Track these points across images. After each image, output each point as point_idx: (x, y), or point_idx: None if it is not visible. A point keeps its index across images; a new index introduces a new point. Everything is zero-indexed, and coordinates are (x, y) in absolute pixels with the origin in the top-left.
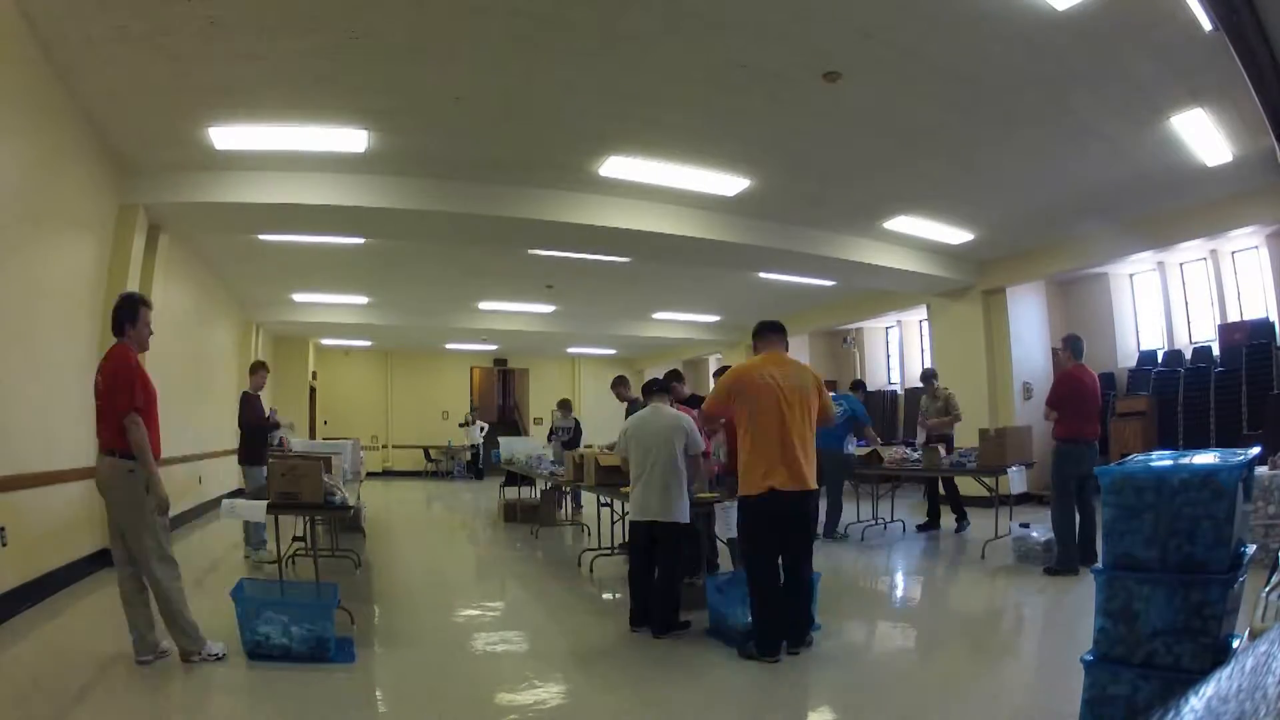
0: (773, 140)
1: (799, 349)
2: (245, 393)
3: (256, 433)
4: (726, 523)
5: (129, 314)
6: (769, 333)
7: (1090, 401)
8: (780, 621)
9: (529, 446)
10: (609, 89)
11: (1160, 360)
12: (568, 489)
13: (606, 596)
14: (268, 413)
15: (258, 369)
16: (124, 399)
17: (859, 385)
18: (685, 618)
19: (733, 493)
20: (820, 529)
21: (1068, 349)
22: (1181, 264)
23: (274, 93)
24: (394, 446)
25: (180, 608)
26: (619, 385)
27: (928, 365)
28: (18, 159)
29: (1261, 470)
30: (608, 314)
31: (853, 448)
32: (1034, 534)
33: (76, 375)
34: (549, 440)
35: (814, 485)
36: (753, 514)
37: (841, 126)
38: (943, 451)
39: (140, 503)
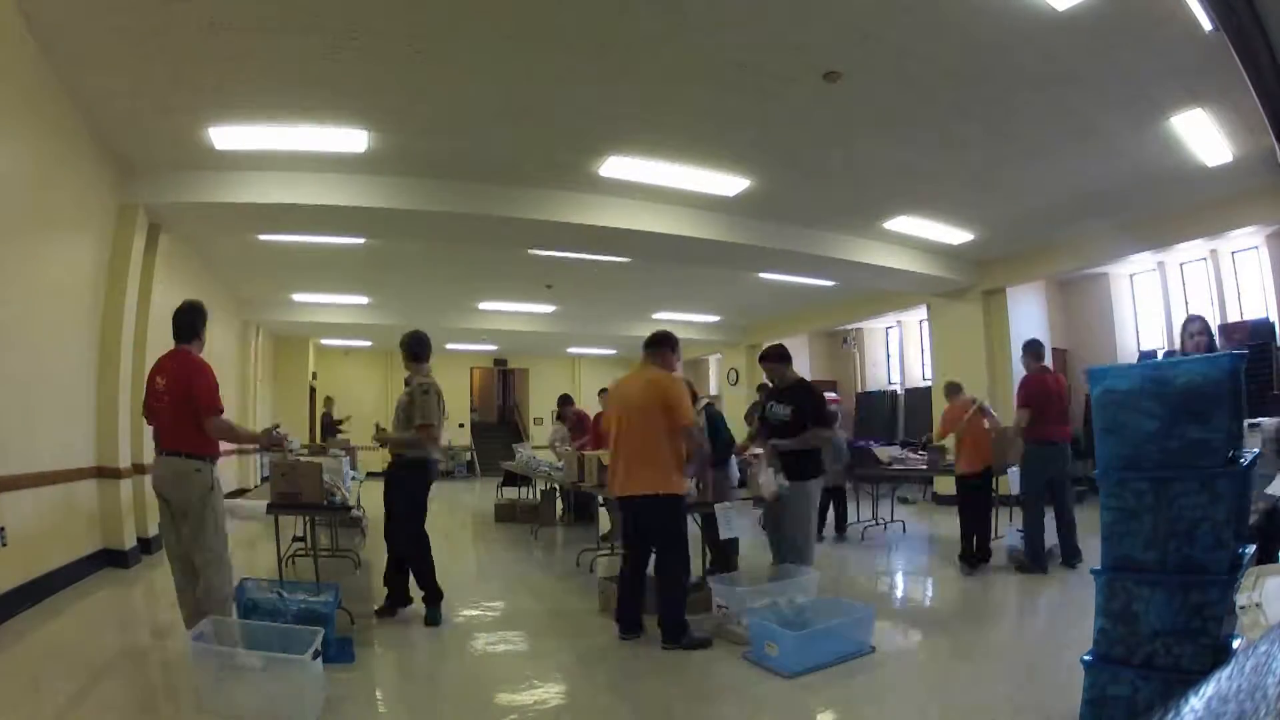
0: (773, 140)
1: (799, 349)
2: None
3: None
4: (728, 523)
5: (202, 320)
6: (646, 346)
7: (1055, 403)
8: (629, 606)
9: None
10: (609, 89)
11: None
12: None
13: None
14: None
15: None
16: (208, 401)
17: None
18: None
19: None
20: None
21: (1029, 354)
22: (1181, 264)
23: (274, 93)
24: None
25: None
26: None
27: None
28: (17, 158)
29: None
30: (608, 314)
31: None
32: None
33: (77, 375)
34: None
35: (631, 491)
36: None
37: (841, 126)
38: None
39: (205, 502)
